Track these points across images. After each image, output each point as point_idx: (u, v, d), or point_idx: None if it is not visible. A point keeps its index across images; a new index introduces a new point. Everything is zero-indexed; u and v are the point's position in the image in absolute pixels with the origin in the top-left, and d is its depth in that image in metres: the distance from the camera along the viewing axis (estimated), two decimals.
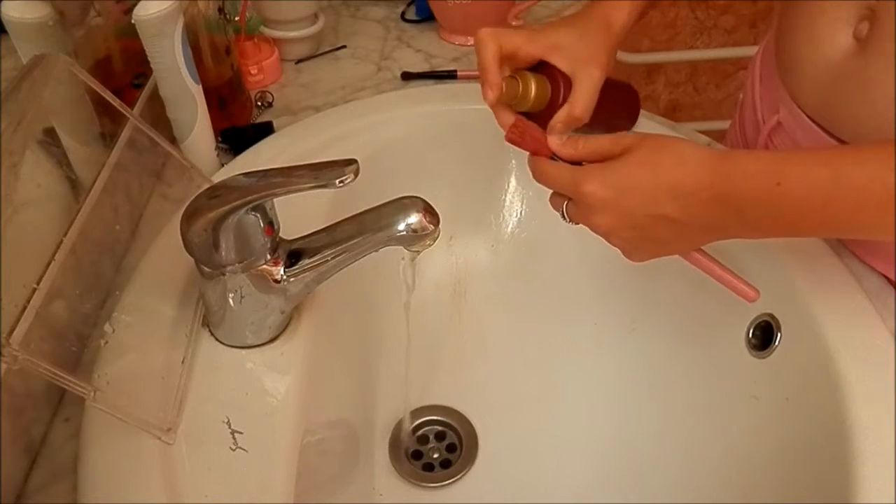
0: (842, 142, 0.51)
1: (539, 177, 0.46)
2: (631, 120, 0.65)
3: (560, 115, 0.51)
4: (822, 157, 0.39)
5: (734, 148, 0.68)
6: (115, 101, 0.48)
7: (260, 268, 0.43)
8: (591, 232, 0.45)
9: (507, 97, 0.51)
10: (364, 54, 0.82)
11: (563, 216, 0.46)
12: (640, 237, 0.43)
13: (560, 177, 0.44)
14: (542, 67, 0.52)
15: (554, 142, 0.45)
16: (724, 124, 0.77)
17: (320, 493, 0.49)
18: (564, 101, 0.51)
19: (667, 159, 0.41)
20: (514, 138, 0.46)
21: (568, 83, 0.51)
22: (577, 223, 0.45)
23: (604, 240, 0.45)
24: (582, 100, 0.51)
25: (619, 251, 0.46)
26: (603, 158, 0.43)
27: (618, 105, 0.62)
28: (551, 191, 0.47)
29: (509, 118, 0.52)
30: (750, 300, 0.46)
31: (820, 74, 0.51)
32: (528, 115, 0.53)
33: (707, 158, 0.41)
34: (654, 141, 0.42)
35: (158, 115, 0.60)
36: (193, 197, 0.41)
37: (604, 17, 0.53)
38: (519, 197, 0.71)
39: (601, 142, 0.44)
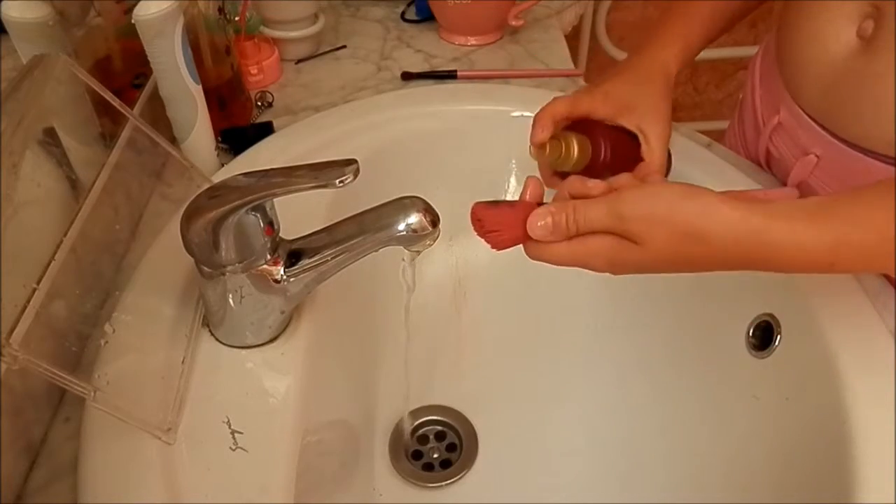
0: (843, 140, 0.51)
1: (547, 258, 0.41)
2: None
3: (639, 173, 0.52)
4: (823, 225, 0.37)
5: (733, 150, 0.68)
6: (115, 101, 0.48)
7: (260, 268, 0.43)
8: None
9: (550, 158, 0.52)
10: (364, 54, 0.82)
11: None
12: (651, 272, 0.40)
13: (570, 257, 0.40)
14: (580, 126, 0.53)
15: (542, 232, 0.40)
16: (724, 124, 0.77)
17: (320, 493, 0.49)
18: (605, 158, 0.52)
19: (693, 250, 0.38)
20: (501, 246, 0.42)
21: (608, 141, 0.52)
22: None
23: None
24: (656, 158, 0.52)
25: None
26: (607, 230, 0.39)
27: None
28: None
29: (553, 179, 0.55)
30: None
31: (822, 73, 0.51)
32: (566, 174, 0.54)
33: (741, 240, 0.37)
34: (671, 228, 0.38)
35: (158, 115, 0.60)
36: (193, 197, 0.41)
37: (663, 70, 0.54)
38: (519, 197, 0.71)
39: (598, 222, 0.39)
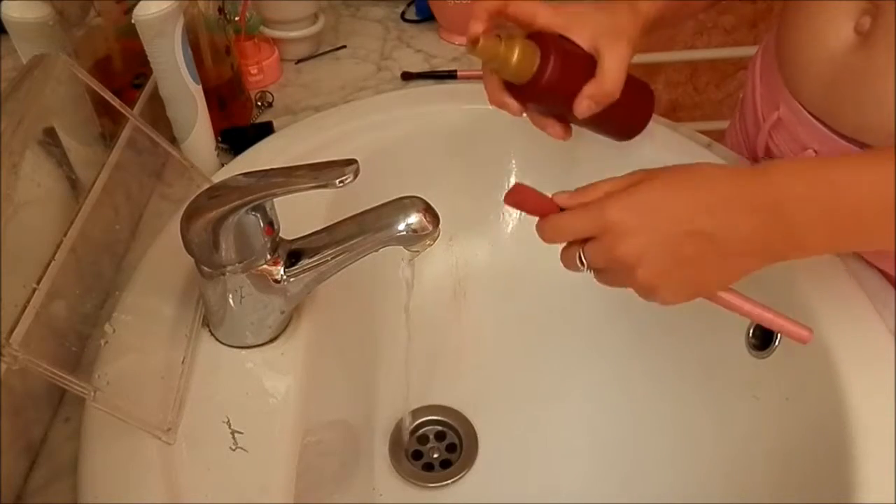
0: (843, 136, 0.51)
1: (551, 233, 0.41)
2: (644, 121, 0.60)
3: (588, 90, 0.47)
4: (869, 155, 0.38)
5: (735, 147, 0.68)
6: (115, 101, 0.48)
7: (260, 268, 0.43)
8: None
9: (487, 56, 0.47)
10: (364, 54, 0.82)
11: (580, 262, 0.41)
12: (673, 263, 0.38)
13: (577, 219, 0.40)
14: (539, 39, 0.48)
15: (562, 197, 0.41)
16: (724, 124, 0.77)
17: (320, 493, 0.49)
18: (551, 77, 0.47)
19: (696, 178, 0.38)
20: (516, 200, 0.41)
21: (560, 56, 0.47)
22: (598, 266, 0.40)
23: (630, 286, 0.40)
24: (611, 72, 0.47)
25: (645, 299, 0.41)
26: (620, 188, 0.40)
27: (634, 102, 0.55)
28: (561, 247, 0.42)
29: (493, 83, 0.50)
30: (804, 342, 0.41)
31: (821, 69, 0.51)
32: (512, 86, 0.50)
33: (736, 171, 0.39)
34: (673, 167, 0.39)
35: (158, 115, 0.60)
36: (193, 197, 0.41)
37: (630, 4, 0.51)
38: None
39: (613, 183, 0.40)
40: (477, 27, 0.47)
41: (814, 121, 0.54)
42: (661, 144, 0.63)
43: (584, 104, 0.48)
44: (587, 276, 0.44)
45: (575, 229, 0.40)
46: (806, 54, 0.53)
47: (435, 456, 0.63)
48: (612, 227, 0.38)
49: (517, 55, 0.47)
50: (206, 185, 0.42)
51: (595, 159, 0.60)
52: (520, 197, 0.41)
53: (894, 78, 0.45)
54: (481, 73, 0.77)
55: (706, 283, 0.40)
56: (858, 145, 0.50)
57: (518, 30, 0.50)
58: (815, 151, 0.54)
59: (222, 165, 0.64)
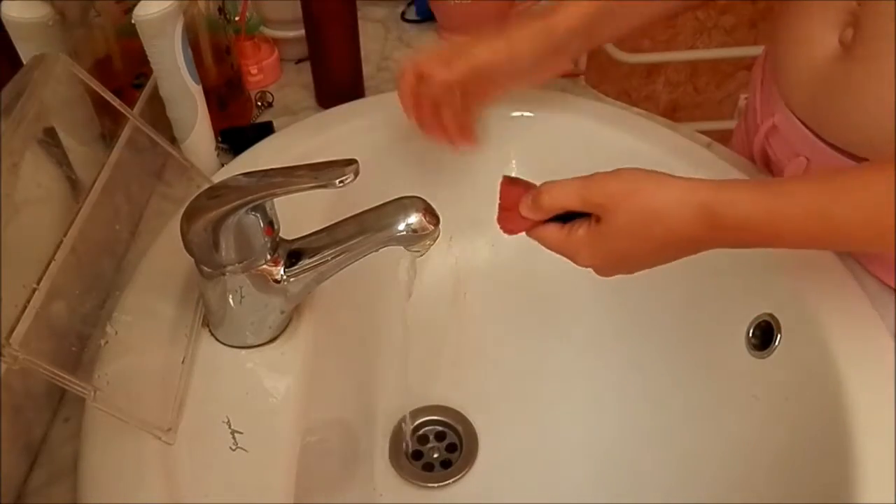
0: (830, 145, 0.51)
1: (543, 244, 0.47)
2: None
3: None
4: (814, 205, 0.39)
5: (738, 147, 0.68)
6: (115, 101, 0.48)
7: (260, 268, 0.43)
8: None
9: None
10: (364, 54, 0.82)
11: None
12: (634, 272, 0.46)
13: (558, 245, 0.46)
14: None
15: (524, 209, 0.45)
16: (723, 124, 0.77)
17: (320, 493, 0.49)
18: None
19: (654, 228, 0.41)
20: (508, 227, 0.46)
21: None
22: None
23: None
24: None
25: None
26: (577, 208, 0.43)
27: None
28: None
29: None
30: None
31: (807, 78, 0.52)
32: None
33: (694, 217, 0.40)
34: (632, 204, 0.41)
35: (158, 115, 0.60)
36: (193, 197, 0.41)
37: (548, 19, 0.55)
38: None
39: (566, 198, 0.43)
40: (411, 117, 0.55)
41: (804, 129, 0.54)
42: (661, 144, 0.63)
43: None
44: (588, 276, 0.45)
45: (557, 251, 0.46)
46: (793, 63, 0.53)
47: (435, 456, 0.63)
48: (585, 266, 0.45)
49: None
50: (206, 185, 0.42)
51: (594, 159, 0.60)
52: (510, 221, 0.46)
53: (879, 89, 0.45)
54: None
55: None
56: (846, 155, 0.50)
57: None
58: (807, 159, 0.54)
59: (222, 165, 0.64)
